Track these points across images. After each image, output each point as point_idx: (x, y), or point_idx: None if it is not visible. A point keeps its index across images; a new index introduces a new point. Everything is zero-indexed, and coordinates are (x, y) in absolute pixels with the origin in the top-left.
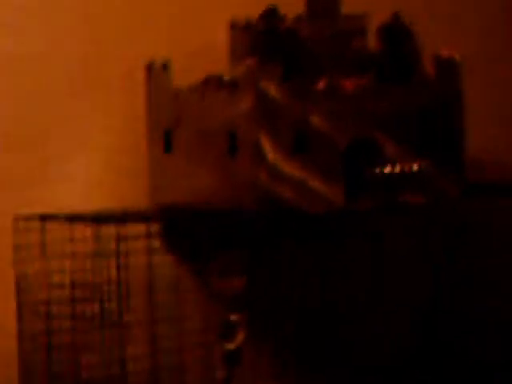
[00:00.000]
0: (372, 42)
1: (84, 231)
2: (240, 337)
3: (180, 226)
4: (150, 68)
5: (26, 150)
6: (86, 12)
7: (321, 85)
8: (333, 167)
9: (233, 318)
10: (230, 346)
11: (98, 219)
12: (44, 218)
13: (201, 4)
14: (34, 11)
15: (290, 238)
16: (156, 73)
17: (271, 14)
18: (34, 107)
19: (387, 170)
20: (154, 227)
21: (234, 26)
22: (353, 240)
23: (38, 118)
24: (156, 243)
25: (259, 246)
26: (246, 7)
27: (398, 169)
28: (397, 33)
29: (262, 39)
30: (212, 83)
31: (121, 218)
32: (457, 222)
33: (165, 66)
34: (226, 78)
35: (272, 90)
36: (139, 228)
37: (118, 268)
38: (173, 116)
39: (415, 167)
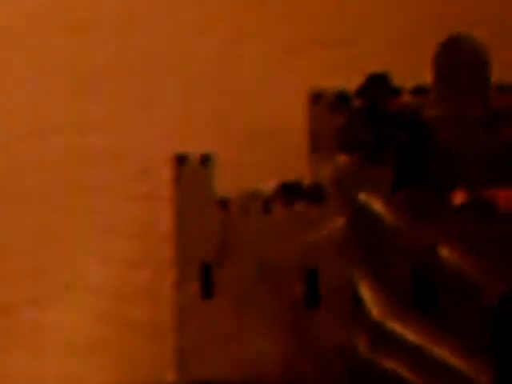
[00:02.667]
0: None
1: None
2: None
3: None
4: (181, 161)
5: None
6: None
7: (458, 198)
8: (477, 332)
9: None
10: None
11: None
12: None
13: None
14: None
15: None
16: (191, 169)
17: (378, 83)
18: None
19: None
20: None
21: (315, 98)
22: None
23: None
24: None
25: None
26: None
27: None
28: None
29: (363, 123)
30: (283, 191)
31: None
32: None
33: (205, 160)
34: (305, 182)
35: (378, 204)
36: None
37: None
38: (217, 240)
39: None
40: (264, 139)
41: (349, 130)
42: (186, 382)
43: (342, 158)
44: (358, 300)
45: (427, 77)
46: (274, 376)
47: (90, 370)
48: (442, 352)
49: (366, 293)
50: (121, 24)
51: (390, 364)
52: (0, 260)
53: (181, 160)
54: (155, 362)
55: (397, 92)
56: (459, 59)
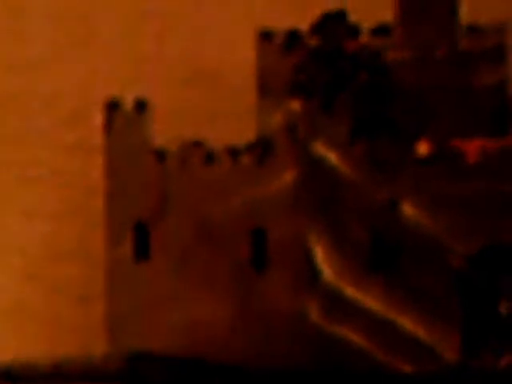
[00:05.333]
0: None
1: None
2: None
3: None
4: (112, 107)
5: None
6: None
7: (422, 148)
8: (443, 296)
9: None
10: None
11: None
12: None
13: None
14: None
15: None
16: (124, 116)
17: (335, 22)
18: None
19: None
20: None
21: (265, 37)
22: None
23: None
24: None
25: None
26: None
27: None
28: None
29: (318, 64)
30: (228, 151)
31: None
32: None
33: (140, 106)
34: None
35: (332, 157)
36: None
37: None
38: (153, 196)
39: None
40: (207, 83)
41: (302, 72)
42: (117, 354)
43: (293, 104)
44: (310, 262)
45: (388, 15)
46: (216, 345)
47: (9, 337)
48: (403, 319)
49: (319, 254)
50: None
51: (344, 332)
52: None
53: (113, 105)
54: (83, 331)
55: (355, 31)
56: None
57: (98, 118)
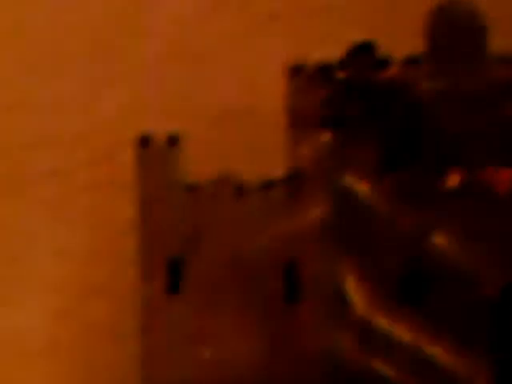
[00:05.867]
0: None
1: None
2: None
3: None
4: (144, 142)
5: None
6: None
7: (452, 180)
8: (475, 328)
9: None
10: None
11: None
12: None
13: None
14: None
15: None
16: (156, 151)
17: (363, 54)
18: None
19: None
20: None
21: (295, 71)
22: None
23: None
24: None
25: None
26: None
27: None
28: None
29: (348, 96)
30: (260, 185)
31: None
32: None
33: (172, 141)
34: (281, 172)
35: (362, 189)
36: None
37: None
38: (185, 231)
39: None
40: (238, 116)
41: (331, 105)
42: None
43: (323, 137)
44: (341, 295)
45: (419, 46)
46: (248, 380)
47: (43, 377)
48: (435, 351)
49: (350, 287)
50: None
51: (377, 364)
52: None
53: (144, 141)
54: (117, 367)
55: (385, 63)
56: (455, 25)
57: (129, 155)
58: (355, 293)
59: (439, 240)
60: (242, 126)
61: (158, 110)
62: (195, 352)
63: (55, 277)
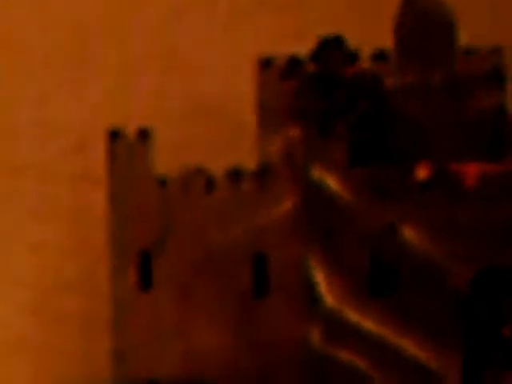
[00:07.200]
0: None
1: None
2: None
3: None
4: (115, 136)
5: None
6: None
7: (421, 173)
8: (444, 319)
9: None
10: None
11: None
12: None
13: None
14: None
15: None
16: (127, 145)
17: (332, 48)
18: None
19: None
20: None
21: (265, 64)
22: None
23: None
24: None
25: None
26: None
27: None
28: None
29: (317, 90)
30: (229, 178)
31: None
32: None
33: (142, 135)
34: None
35: (331, 182)
36: None
37: None
38: (156, 225)
39: None
40: (208, 112)
41: (300, 98)
42: (123, 383)
43: (292, 130)
44: (311, 287)
45: (387, 40)
46: (221, 372)
47: (14, 371)
48: (404, 343)
49: (320, 279)
50: None
51: (346, 356)
52: None
53: (115, 135)
54: (89, 362)
55: (354, 57)
56: (423, 19)
57: (101, 149)
58: (325, 285)
59: (408, 233)
60: (213, 120)
61: (131, 104)
62: (167, 346)
63: (28, 271)
